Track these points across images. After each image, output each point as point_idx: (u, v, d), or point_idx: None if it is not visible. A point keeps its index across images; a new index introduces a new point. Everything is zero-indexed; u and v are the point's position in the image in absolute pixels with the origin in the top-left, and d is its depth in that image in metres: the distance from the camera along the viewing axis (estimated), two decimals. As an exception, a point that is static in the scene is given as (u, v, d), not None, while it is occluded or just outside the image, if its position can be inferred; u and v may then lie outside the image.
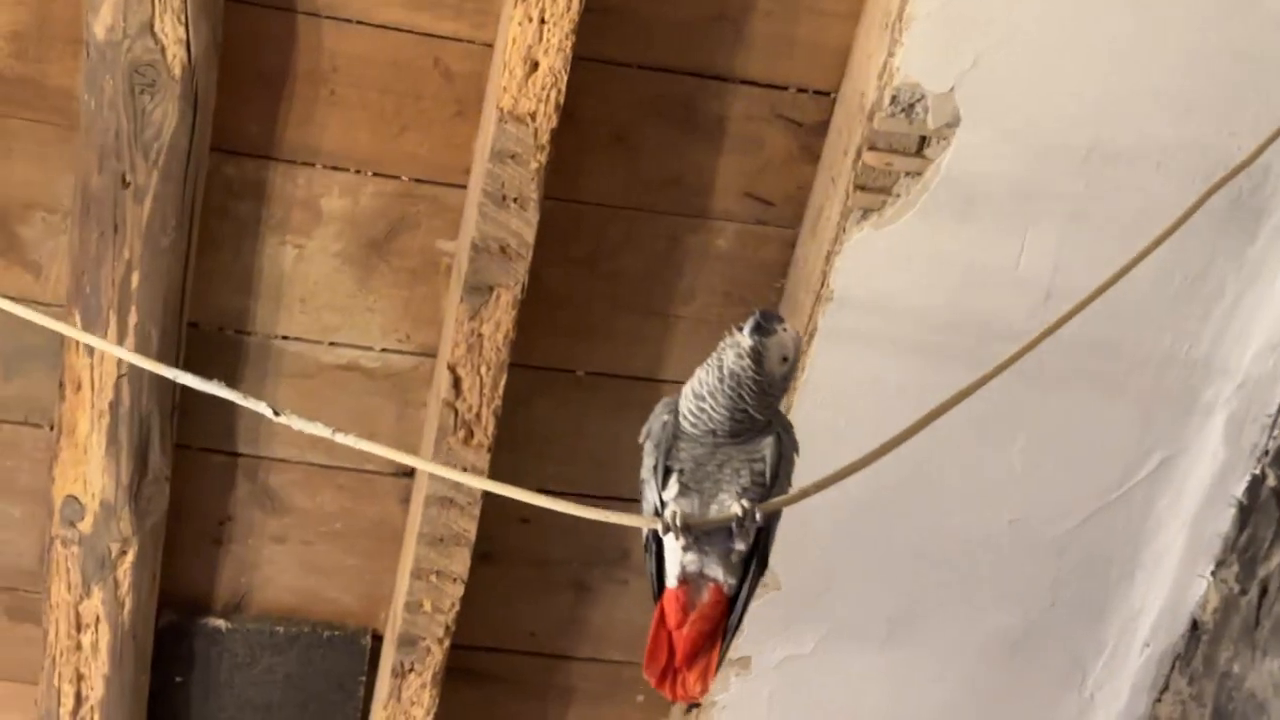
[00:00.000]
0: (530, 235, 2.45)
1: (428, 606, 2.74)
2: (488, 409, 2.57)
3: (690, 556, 2.08)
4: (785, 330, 1.96)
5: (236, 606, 2.91)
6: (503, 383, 2.57)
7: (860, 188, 2.44)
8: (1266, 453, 2.65)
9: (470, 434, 2.59)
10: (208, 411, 2.72)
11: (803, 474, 2.65)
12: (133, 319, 2.46)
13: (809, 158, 2.62)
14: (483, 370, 2.54)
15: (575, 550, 2.92)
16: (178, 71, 2.29)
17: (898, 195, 2.45)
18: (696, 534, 2.02)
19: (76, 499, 2.60)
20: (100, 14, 2.26)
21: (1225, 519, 2.74)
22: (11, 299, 2.43)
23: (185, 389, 2.59)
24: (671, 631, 2.14)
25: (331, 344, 2.70)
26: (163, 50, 2.28)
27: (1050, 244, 2.50)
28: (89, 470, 2.57)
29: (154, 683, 2.89)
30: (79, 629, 2.71)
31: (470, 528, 2.67)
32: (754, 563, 2.11)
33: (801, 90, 2.58)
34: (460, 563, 2.70)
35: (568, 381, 2.74)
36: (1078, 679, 2.90)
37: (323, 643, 2.91)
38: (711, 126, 2.60)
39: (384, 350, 2.71)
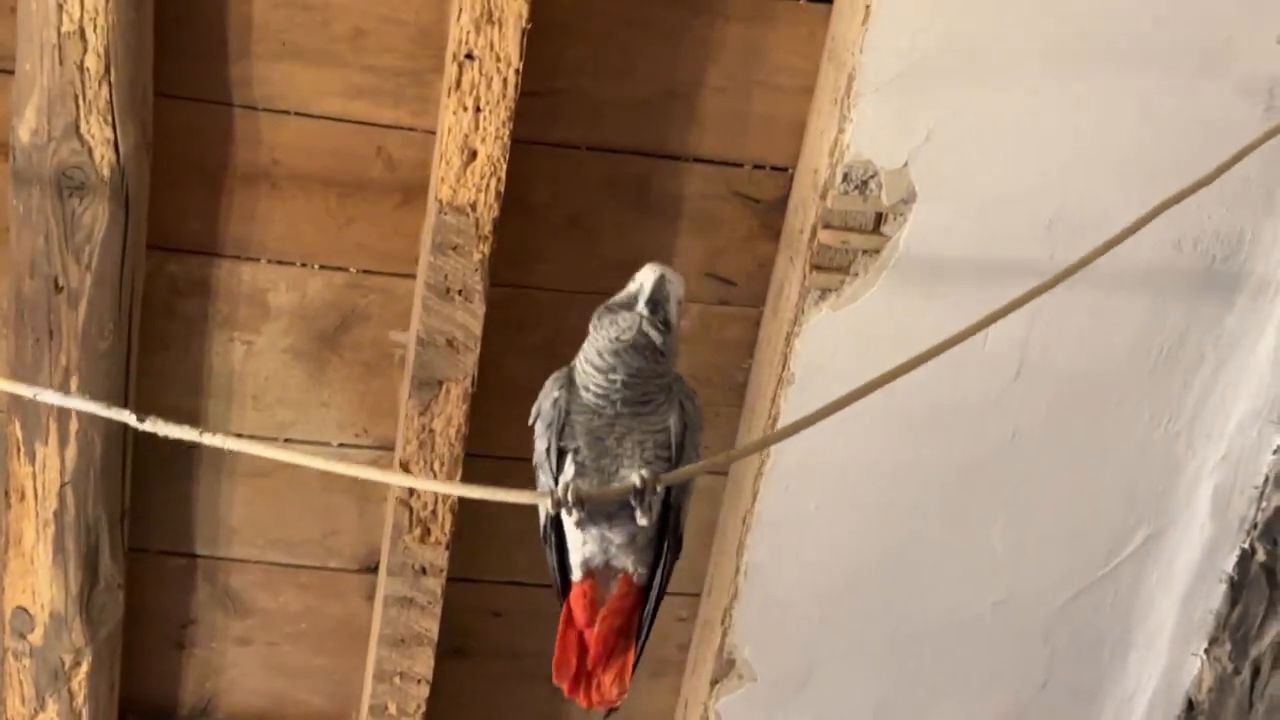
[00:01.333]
0: (477, 327, 2.38)
1: (393, 709, 2.66)
2: (444, 505, 2.50)
3: (592, 546, 1.96)
4: (670, 280, 1.87)
5: (203, 712, 2.83)
6: (458, 477, 2.49)
7: (817, 267, 2.36)
8: (1255, 525, 2.56)
9: (427, 532, 2.51)
10: (162, 514, 2.66)
11: (770, 560, 2.59)
12: (74, 425, 2.39)
13: (769, 235, 2.55)
14: (436, 466, 2.46)
15: (548, 641, 2.79)
16: (106, 172, 2.24)
17: (855, 274, 2.37)
18: (594, 514, 1.88)
19: (25, 610, 2.53)
20: (24, 117, 2.21)
21: (1216, 595, 2.64)
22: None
23: (136, 493, 2.55)
24: (582, 630, 2.03)
25: (287, 440, 2.62)
26: (90, 151, 2.22)
27: (1018, 317, 2.40)
28: (37, 581, 2.51)
29: (121, 794, 2.82)
30: (36, 743, 2.64)
31: (432, 626, 2.59)
32: (666, 546, 1.98)
33: (758, 166, 2.51)
34: (423, 663, 2.63)
35: (532, 471, 2.66)
36: (1075, 765, 2.80)
37: (293, 746, 2.83)
38: (668, 206, 2.53)
39: (341, 445, 2.64)
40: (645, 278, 1.88)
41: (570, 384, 1.92)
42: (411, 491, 2.48)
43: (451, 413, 2.43)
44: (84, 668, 2.59)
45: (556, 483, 1.93)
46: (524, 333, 2.57)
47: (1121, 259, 2.35)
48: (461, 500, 2.53)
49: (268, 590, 2.74)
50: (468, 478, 2.53)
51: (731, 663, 2.65)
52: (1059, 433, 2.52)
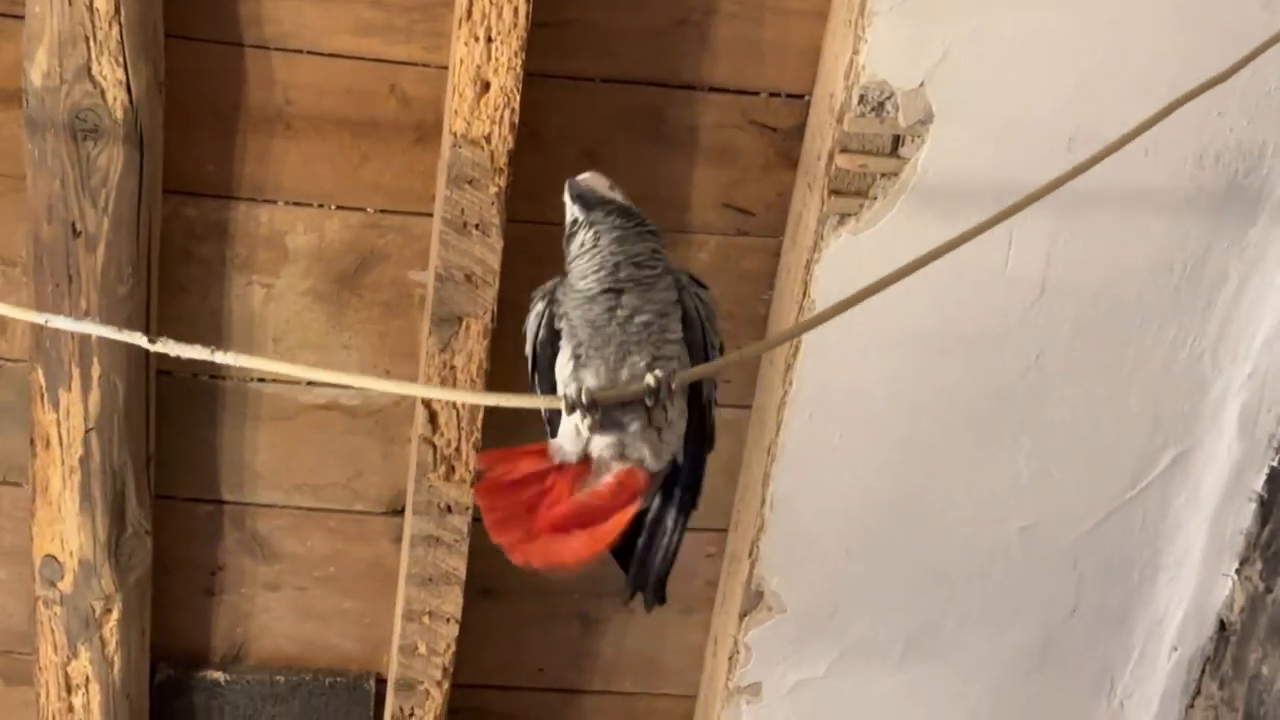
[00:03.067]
0: (495, 262, 2.37)
1: (423, 649, 2.66)
2: (467, 443, 2.49)
3: (605, 439, 1.89)
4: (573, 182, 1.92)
5: (234, 658, 2.84)
6: (480, 415, 2.48)
7: (835, 192, 2.35)
8: (1284, 443, 2.54)
9: (451, 469, 2.51)
10: (188, 460, 2.66)
11: (795, 491, 2.58)
12: (95, 371, 2.39)
13: (787, 164, 2.53)
14: (458, 403, 2.46)
15: (577, 581, 2.83)
16: (120, 114, 2.23)
17: (874, 198, 2.35)
18: (609, 415, 1.83)
19: (55, 558, 2.54)
20: (36, 60, 2.20)
21: (1246, 515, 2.62)
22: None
23: (161, 439, 2.55)
24: (551, 486, 1.93)
25: (309, 384, 2.62)
26: (102, 93, 2.21)
27: (1040, 238, 2.39)
28: (65, 528, 2.51)
29: (156, 740, 2.83)
30: (69, 691, 2.65)
31: (460, 565, 2.59)
32: (695, 438, 1.94)
33: (774, 94, 2.49)
34: (452, 602, 2.63)
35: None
36: (1106, 687, 2.79)
37: (325, 690, 2.84)
38: (683, 137, 2.51)
39: (364, 388, 2.63)
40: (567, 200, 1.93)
41: (560, 290, 1.92)
42: (435, 429, 2.47)
43: (472, 349, 2.43)
44: (115, 615, 2.60)
45: (543, 390, 1.91)
46: (543, 268, 2.54)
47: (1142, 176, 2.34)
48: (486, 438, 2.52)
49: (295, 535, 2.75)
50: (489, 419, 2.52)
51: (760, 595, 2.65)
52: (1083, 355, 2.50)
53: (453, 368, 2.43)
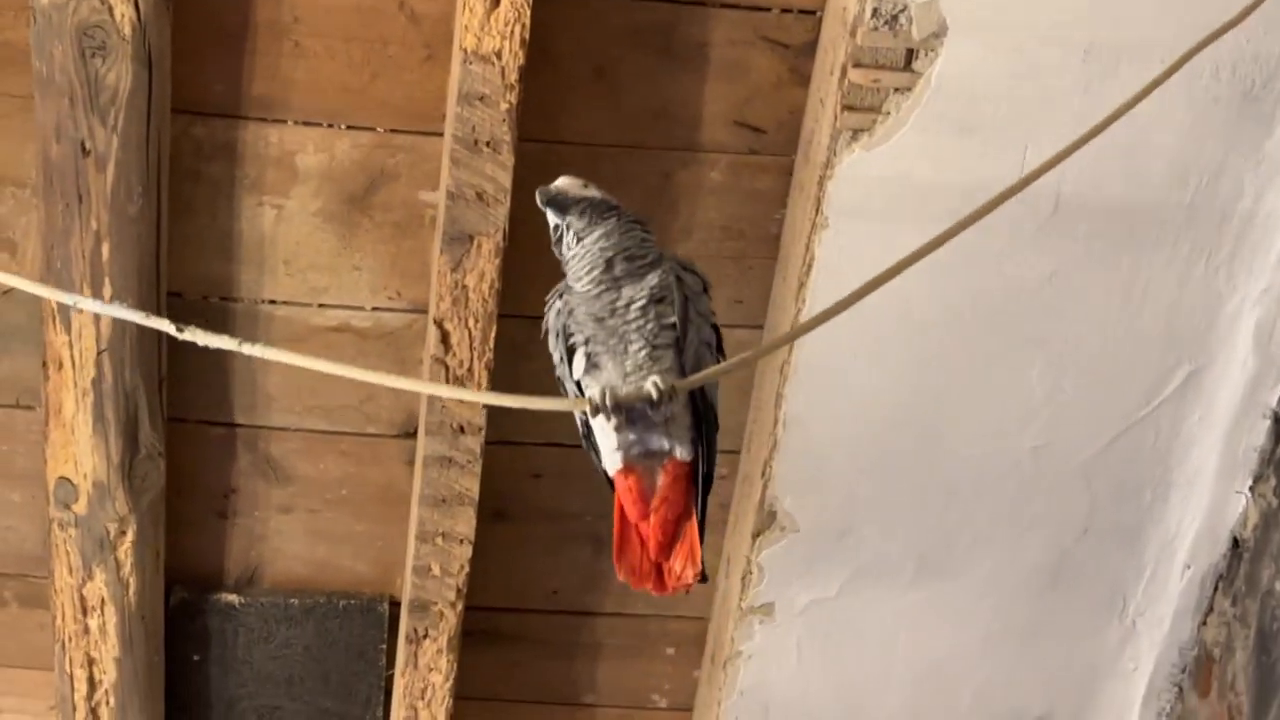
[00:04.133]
0: (507, 179, 2.36)
1: (436, 570, 2.67)
2: (479, 363, 2.49)
3: (628, 436, 1.96)
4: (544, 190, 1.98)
5: (248, 580, 2.86)
6: (493, 334, 2.48)
7: (848, 108, 2.33)
8: (1299, 360, 2.53)
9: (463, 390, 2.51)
10: (200, 382, 2.66)
11: (808, 411, 2.58)
12: (107, 292, 2.39)
13: (799, 81, 2.51)
14: (470, 323, 2.45)
15: (589, 503, 2.84)
16: (128, 31, 2.22)
17: (888, 113, 2.34)
18: (628, 409, 1.90)
19: (69, 480, 2.55)
20: (42, -24, 2.18)
21: (1260, 432, 2.62)
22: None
23: (172, 361, 2.55)
24: (638, 524, 2.03)
25: (320, 305, 2.62)
26: (110, 10, 2.20)
27: (1055, 149, 2.37)
28: (78, 450, 2.52)
29: (171, 662, 2.85)
30: (85, 612, 2.66)
31: (473, 486, 2.60)
32: (703, 423, 1.99)
33: (786, 10, 2.47)
34: (465, 523, 2.63)
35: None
36: (1118, 606, 2.79)
37: (339, 612, 2.85)
38: (694, 54, 2.49)
39: (375, 309, 2.63)
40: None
41: (567, 290, 1.98)
42: (447, 350, 2.47)
43: (484, 268, 2.42)
44: (129, 536, 2.61)
45: (572, 382, 1.99)
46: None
47: (1158, 88, 2.31)
48: (497, 358, 2.52)
49: (308, 457, 2.75)
50: (500, 340, 2.52)
51: (773, 515, 2.65)
52: (1097, 271, 2.49)
53: (464, 287, 2.42)
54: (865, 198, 2.38)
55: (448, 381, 2.48)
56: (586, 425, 2.03)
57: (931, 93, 2.32)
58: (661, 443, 1.98)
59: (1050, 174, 2.32)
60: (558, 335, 1.99)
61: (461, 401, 2.51)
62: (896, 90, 2.32)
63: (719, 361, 2.02)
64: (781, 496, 2.64)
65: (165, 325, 1.80)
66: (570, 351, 1.98)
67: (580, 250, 1.95)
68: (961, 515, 2.68)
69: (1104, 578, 2.77)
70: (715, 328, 2.03)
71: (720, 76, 2.50)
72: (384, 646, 2.88)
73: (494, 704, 3.01)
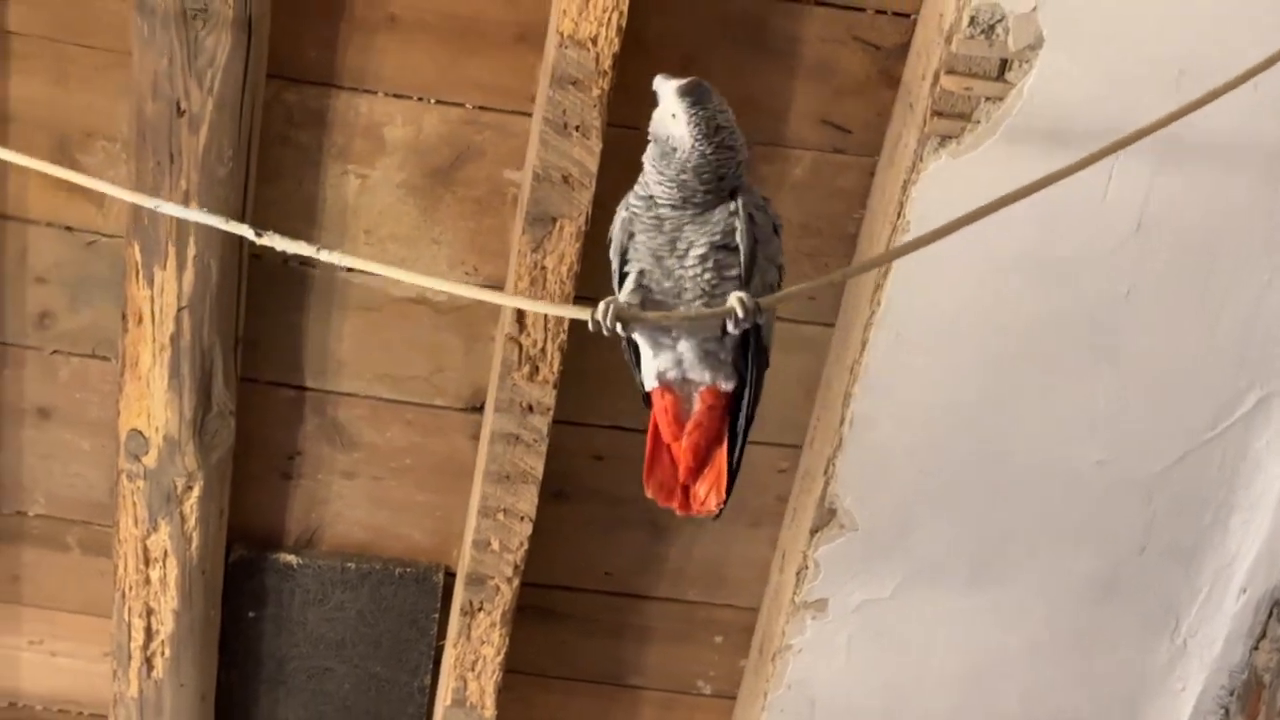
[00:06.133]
0: (593, 164, 2.37)
1: (495, 545, 2.69)
2: (553, 344, 2.51)
3: (664, 359, 1.94)
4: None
5: (308, 542, 2.88)
6: (567, 319, 2.50)
7: (938, 114, 2.33)
8: (1369, 390, 2.52)
9: (535, 370, 2.53)
10: (273, 345, 2.69)
11: (875, 411, 2.59)
12: (191, 250, 2.42)
13: (888, 82, 2.51)
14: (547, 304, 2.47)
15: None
16: (230, -5, 2.24)
17: (977, 121, 2.34)
18: (655, 331, 1.88)
19: (140, 433, 2.58)
20: (150, -64, 2.21)
21: (1326, 461, 2.61)
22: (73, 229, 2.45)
23: (249, 323, 2.58)
24: (669, 444, 2.02)
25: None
26: (214, -26, 2.22)
27: (1141, 171, 2.37)
28: (152, 404, 2.55)
29: (226, 618, 2.88)
30: (147, 563, 2.70)
31: (537, 465, 2.62)
32: (751, 358, 1.96)
33: (880, 12, 2.47)
34: (528, 501, 2.65)
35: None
36: (1170, 625, 2.80)
37: (394, 580, 2.88)
38: (785, 49, 2.50)
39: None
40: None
41: (635, 199, 1.92)
42: (522, 329, 2.49)
43: (564, 250, 2.43)
44: (195, 492, 2.64)
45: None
46: (636, 173, 2.55)
47: (1246, 113, 2.31)
48: (570, 340, 2.54)
49: (374, 425, 2.78)
50: (575, 321, 2.53)
51: (832, 512, 2.66)
52: (1173, 291, 2.49)
53: (544, 268, 2.44)
54: (948, 204, 2.37)
55: (520, 362, 2.50)
56: (629, 338, 1.98)
57: (1023, 103, 2.32)
58: (703, 372, 1.95)
59: (1135, 192, 2.35)
60: (617, 249, 1.93)
61: (532, 380, 2.52)
62: (988, 99, 2.32)
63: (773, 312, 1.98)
64: (843, 495, 2.65)
65: (244, 230, 1.85)
66: (625, 275, 1.92)
67: (668, 142, 1.85)
68: (1020, 523, 2.69)
69: (1158, 595, 2.77)
70: (780, 268, 1.97)
71: (809, 74, 2.51)
72: (436, 616, 2.91)
73: (541, 679, 3.04)
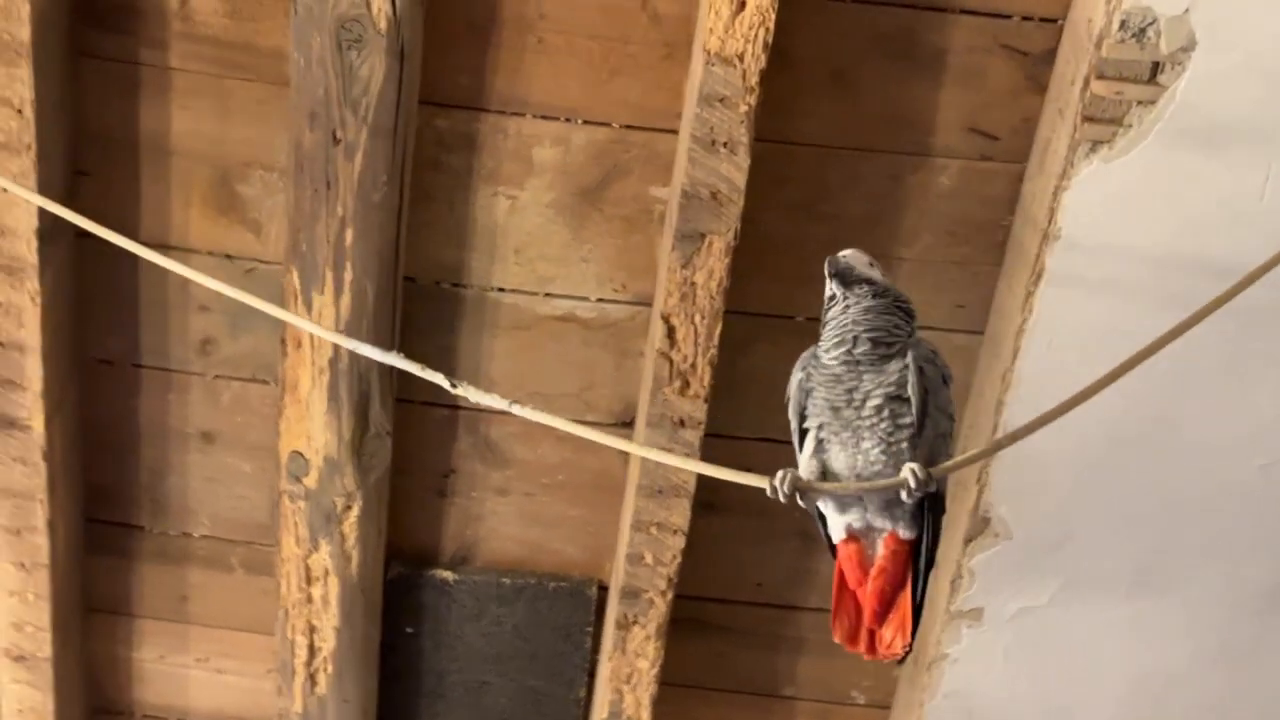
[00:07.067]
0: (741, 180, 2.38)
1: (649, 559, 2.71)
2: (703, 358, 2.52)
3: (850, 514, 2.01)
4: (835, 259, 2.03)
5: (463, 559, 2.92)
6: (718, 331, 2.51)
7: (1089, 119, 2.31)
8: None
9: (686, 384, 2.54)
10: (428, 365, 2.70)
11: (1029, 416, 2.56)
12: (348, 275, 2.46)
13: (1035, 89, 2.49)
14: (697, 319, 2.49)
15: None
16: (383, 25, 2.28)
17: (1129, 126, 2.31)
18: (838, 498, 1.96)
19: (301, 455, 2.63)
20: (405, -28, 2.26)
21: None
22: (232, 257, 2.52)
23: (403, 344, 2.62)
24: (854, 590, 2.06)
25: (547, 295, 2.67)
26: (368, 4, 2.27)
27: (1303, 167, 2.33)
28: (312, 426, 2.60)
29: (386, 634, 2.93)
30: (309, 582, 2.75)
31: (689, 479, 2.63)
32: (927, 511, 2.01)
33: (1026, 18, 2.45)
34: (680, 514, 2.67)
35: (787, 327, 2.67)
36: (1340, 633, 2.74)
37: (549, 594, 2.91)
38: (932, 60, 2.49)
39: (600, 300, 2.67)
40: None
41: (812, 361, 2.00)
42: (673, 345, 2.50)
43: (713, 266, 2.45)
44: (355, 512, 2.69)
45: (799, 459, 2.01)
46: (783, 188, 2.57)
47: None
48: (721, 353, 2.55)
49: (525, 442, 2.81)
50: (724, 334, 2.55)
51: (986, 521, 2.65)
52: (1335, 291, 2.44)
53: (693, 284, 2.46)
54: (1101, 210, 2.36)
55: (671, 378, 2.52)
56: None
57: (1175, 107, 2.29)
58: (885, 522, 2.01)
59: (1294, 193, 2.30)
60: (796, 409, 2.02)
61: (683, 395, 2.54)
62: (1139, 103, 2.30)
63: (951, 450, 2.05)
64: (996, 503, 2.63)
65: (440, 379, 1.98)
66: (804, 432, 2.01)
67: (840, 317, 1.98)
68: (1182, 531, 2.65)
69: (1329, 603, 2.72)
70: (951, 417, 2.05)
71: (956, 82, 2.50)
72: (590, 630, 2.94)
73: (696, 691, 3.05)
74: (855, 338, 1.96)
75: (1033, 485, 2.61)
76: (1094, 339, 2.48)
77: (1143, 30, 2.25)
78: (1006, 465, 2.60)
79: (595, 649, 2.96)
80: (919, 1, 2.45)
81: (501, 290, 2.68)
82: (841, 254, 2.04)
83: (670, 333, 2.51)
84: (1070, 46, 2.39)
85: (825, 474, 1.99)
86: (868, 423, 1.95)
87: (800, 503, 1.95)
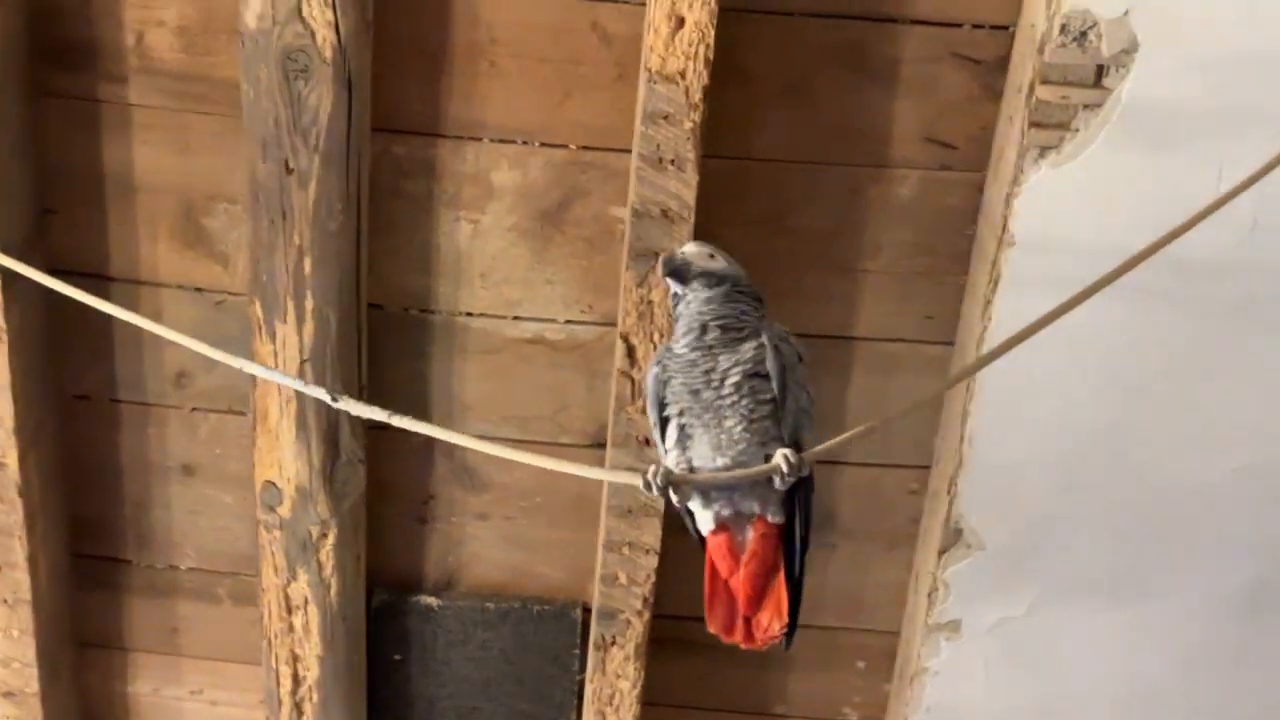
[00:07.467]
0: (690, 197, 2.39)
1: (623, 579, 2.71)
2: (665, 377, 2.52)
3: (719, 503, 1.99)
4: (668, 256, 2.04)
5: (446, 584, 2.93)
6: (678, 350, 2.51)
7: (1036, 124, 2.31)
8: None
9: (649, 403, 2.54)
10: (399, 391, 2.74)
11: (994, 428, 2.55)
12: (309, 303, 2.48)
13: (991, 96, 2.49)
14: (655, 337, 2.49)
15: (779, 517, 2.84)
16: (329, 54, 2.30)
17: (1076, 130, 2.31)
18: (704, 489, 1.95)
19: (274, 484, 2.65)
20: (250, 3, 2.28)
21: None
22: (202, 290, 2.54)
23: (374, 371, 2.64)
24: (726, 580, 2.04)
25: (515, 318, 2.68)
26: (312, 34, 2.29)
27: (1252, 167, 2.31)
28: (283, 455, 2.62)
29: (374, 662, 2.94)
30: (289, 611, 2.77)
31: (658, 498, 2.62)
32: (796, 493, 1.99)
33: (977, 26, 2.45)
34: (651, 533, 2.67)
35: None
36: (1326, 632, 2.71)
37: (534, 618, 2.91)
38: (886, 71, 2.49)
39: (568, 322, 2.68)
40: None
41: (666, 354, 2.01)
42: (633, 363, 2.51)
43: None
44: (330, 539, 2.70)
45: (663, 451, 2.01)
46: (743, 203, 2.58)
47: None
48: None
49: (503, 466, 2.81)
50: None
51: (959, 532, 2.63)
52: (1298, 288, 2.42)
53: (650, 302, 2.46)
54: (1053, 215, 2.35)
55: (634, 397, 2.52)
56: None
57: (1122, 110, 2.29)
58: (752, 506, 2.00)
59: (1246, 196, 2.28)
60: (653, 402, 2.02)
61: (645, 414, 2.53)
62: (1086, 107, 2.29)
63: (814, 427, 2.03)
64: (967, 514, 2.62)
65: (320, 393, 2.01)
66: (664, 421, 2.01)
67: (685, 311, 2.00)
68: (1158, 536, 2.63)
69: (1311, 602, 2.69)
70: (808, 393, 2.04)
71: (911, 93, 2.50)
72: (577, 652, 2.93)
73: (686, 711, 3.04)
74: (704, 325, 1.97)
75: (1003, 495, 2.60)
76: (1054, 341, 2.45)
77: (1084, 34, 2.24)
78: (976, 475, 2.59)
79: (584, 671, 2.96)
80: (871, 13, 2.45)
81: (469, 315, 2.69)
82: (679, 250, 2.05)
83: (630, 351, 2.52)
84: (1019, 53, 2.39)
85: (691, 468, 1.97)
86: (729, 400, 1.94)
87: (673, 497, 1.94)
